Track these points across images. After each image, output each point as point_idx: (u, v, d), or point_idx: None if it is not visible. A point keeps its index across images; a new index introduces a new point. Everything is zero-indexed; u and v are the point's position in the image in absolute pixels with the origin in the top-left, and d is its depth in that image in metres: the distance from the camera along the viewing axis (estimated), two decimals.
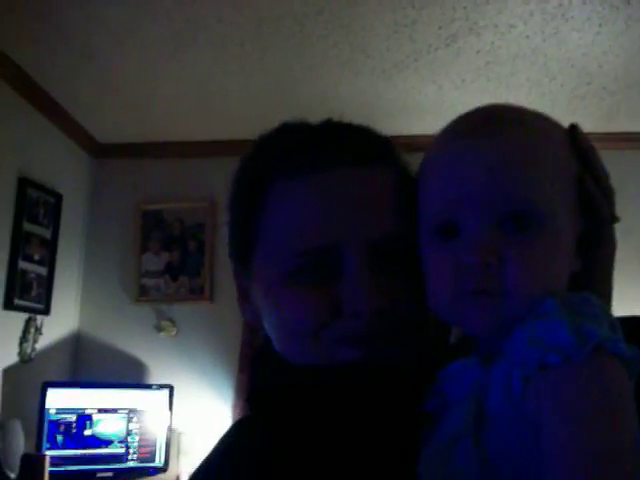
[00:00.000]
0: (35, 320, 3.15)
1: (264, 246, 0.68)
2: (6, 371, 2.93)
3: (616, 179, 0.64)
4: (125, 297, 3.62)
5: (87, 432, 3.03)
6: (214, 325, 3.50)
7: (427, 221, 0.61)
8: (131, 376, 3.48)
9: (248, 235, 0.69)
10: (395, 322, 0.63)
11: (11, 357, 2.99)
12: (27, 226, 3.08)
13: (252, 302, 0.72)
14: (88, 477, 3.00)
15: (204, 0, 2.40)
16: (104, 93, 3.16)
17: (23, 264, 3.04)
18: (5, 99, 2.92)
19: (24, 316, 3.08)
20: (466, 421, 0.54)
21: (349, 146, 0.66)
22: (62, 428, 2.98)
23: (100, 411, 3.08)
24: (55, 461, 2.80)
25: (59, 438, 2.97)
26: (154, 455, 3.16)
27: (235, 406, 3.34)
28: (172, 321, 3.56)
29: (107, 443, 3.07)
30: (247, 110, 3.24)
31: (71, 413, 3.02)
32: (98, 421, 3.07)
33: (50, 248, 3.28)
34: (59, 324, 3.40)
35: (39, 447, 2.89)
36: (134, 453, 3.12)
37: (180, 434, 3.33)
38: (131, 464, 3.11)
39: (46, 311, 3.25)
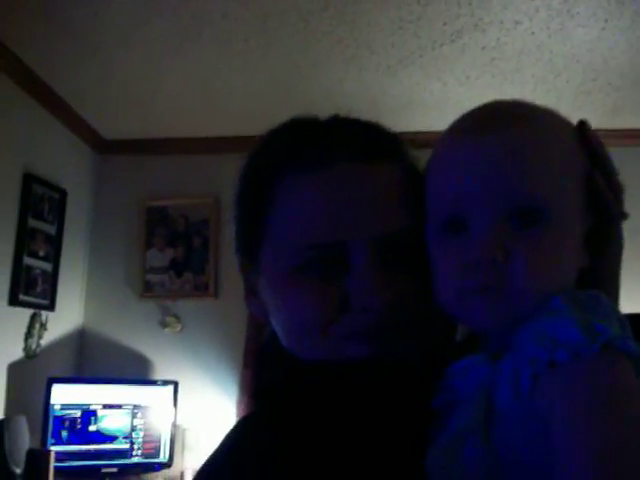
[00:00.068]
0: (40, 316, 3.16)
1: (271, 241, 0.67)
2: (11, 367, 2.94)
3: (620, 176, 0.64)
4: (130, 293, 3.63)
5: (92, 428, 3.04)
6: (219, 321, 3.51)
7: (434, 217, 0.61)
8: (136, 372, 3.49)
9: (255, 230, 0.69)
10: (403, 317, 0.63)
11: (16, 353, 3.00)
12: (32, 222, 3.08)
13: (259, 298, 0.72)
14: (93, 472, 3.01)
15: None
16: (109, 89, 3.16)
17: (28, 260, 3.05)
18: (9, 95, 2.92)
19: (29, 312, 3.09)
20: (475, 417, 0.54)
21: (357, 142, 0.66)
22: (67, 424, 2.99)
23: (105, 407, 3.09)
24: (60, 456, 2.81)
25: (64, 434, 2.98)
26: (159, 451, 3.17)
27: (239, 402, 3.35)
28: (177, 317, 3.57)
29: (112, 439, 3.08)
30: (251, 106, 3.24)
31: (76, 409, 3.03)
32: (103, 417, 3.08)
33: (55, 244, 3.28)
34: (64, 320, 3.41)
35: (44, 442, 2.90)
36: (139, 449, 3.13)
37: (184, 430, 3.34)
38: (136, 460, 3.12)
39: (51, 307, 3.26)
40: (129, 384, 3.24)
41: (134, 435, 3.13)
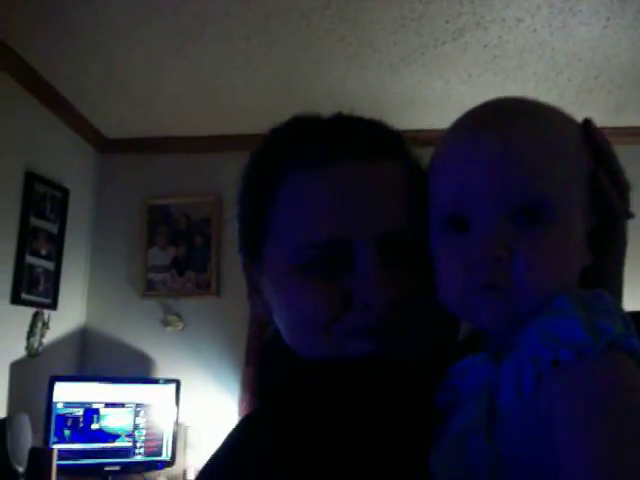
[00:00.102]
0: (42, 314, 3.16)
1: (274, 239, 0.68)
2: (14, 365, 2.94)
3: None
4: (132, 292, 3.63)
5: (94, 426, 3.04)
6: (220, 320, 3.51)
7: (437, 215, 0.60)
8: (138, 370, 3.49)
9: (259, 228, 0.69)
10: (406, 314, 0.63)
11: (18, 351, 3.00)
12: (34, 221, 3.08)
13: (262, 296, 0.72)
14: (95, 471, 3.02)
15: None
16: (110, 88, 3.16)
17: (30, 259, 3.05)
18: (11, 93, 2.92)
19: (31, 311, 3.10)
20: (477, 417, 0.54)
21: (360, 140, 0.66)
22: (69, 422, 2.99)
23: (107, 405, 3.09)
24: (62, 455, 2.81)
25: (66, 432, 2.98)
26: (161, 449, 3.17)
27: (241, 400, 3.35)
28: (179, 316, 3.57)
29: (114, 437, 3.08)
30: (254, 105, 3.24)
31: (78, 407, 3.03)
32: (105, 415, 3.08)
33: (57, 243, 3.28)
34: (66, 318, 3.42)
35: (46, 441, 2.91)
36: (141, 447, 3.13)
37: (187, 428, 3.34)
38: (138, 458, 3.12)
39: (53, 305, 3.26)
40: (131, 383, 3.24)
41: (136, 433, 3.13)
